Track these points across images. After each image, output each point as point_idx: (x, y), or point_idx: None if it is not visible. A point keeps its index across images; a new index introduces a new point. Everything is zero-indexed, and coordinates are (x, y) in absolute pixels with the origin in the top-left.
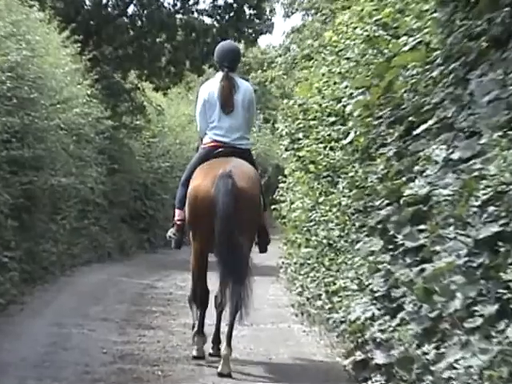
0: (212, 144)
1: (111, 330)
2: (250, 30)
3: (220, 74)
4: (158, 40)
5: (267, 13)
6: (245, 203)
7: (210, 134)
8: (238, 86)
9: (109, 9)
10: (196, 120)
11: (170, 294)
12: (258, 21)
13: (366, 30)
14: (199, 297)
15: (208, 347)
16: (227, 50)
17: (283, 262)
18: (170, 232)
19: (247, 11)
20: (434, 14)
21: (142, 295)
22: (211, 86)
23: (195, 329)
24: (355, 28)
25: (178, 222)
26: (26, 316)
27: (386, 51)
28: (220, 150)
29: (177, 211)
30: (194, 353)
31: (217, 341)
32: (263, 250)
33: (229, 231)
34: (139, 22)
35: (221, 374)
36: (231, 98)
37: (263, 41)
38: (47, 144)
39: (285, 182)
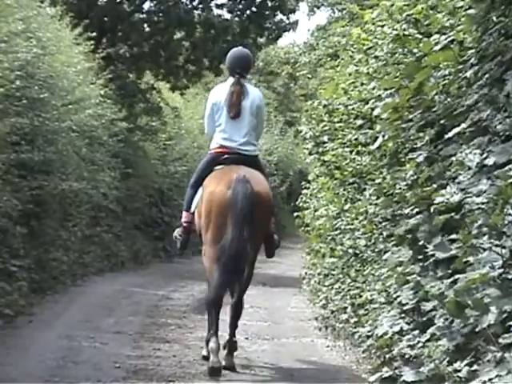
0: (219, 150)
1: (124, 343)
2: (273, 27)
3: (231, 79)
4: (175, 37)
5: (291, 7)
6: (261, 208)
7: (217, 139)
8: (248, 92)
9: (124, 5)
10: (204, 123)
11: (187, 306)
12: (280, 17)
13: (396, 29)
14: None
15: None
16: (239, 57)
17: (306, 273)
18: (176, 233)
19: (269, 6)
20: (469, 11)
21: (156, 307)
22: (221, 90)
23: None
24: (383, 26)
25: (185, 224)
26: (34, 328)
27: (415, 51)
28: (226, 156)
29: (184, 213)
30: (210, 364)
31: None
32: (270, 254)
33: (242, 234)
34: (155, 19)
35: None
36: (239, 104)
37: (287, 39)
38: (58, 147)
39: (308, 187)
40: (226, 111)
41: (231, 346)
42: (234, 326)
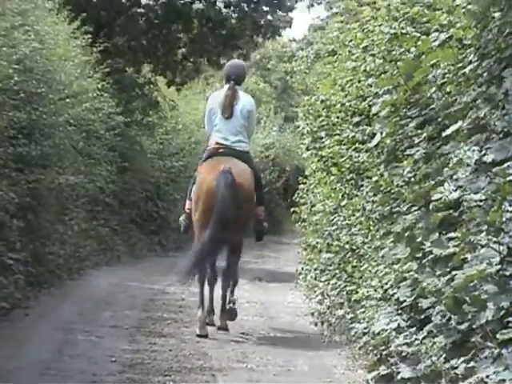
0: (215, 146)
1: (120, 337)
2: (268, 25)
3: (226, 86)
4: (173, 29)
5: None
6: (242, 196)
7: (214, 137)
8: (240, 98)
9: None
10: (204, 124)
11: (183, 300)
12: (278, 12)
13: (394, 28)
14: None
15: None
16: (234, 66)
17: (303, 268)
18: (181, 218)
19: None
20: (468, 7)
21: (152, 301)
22: (217, 96)
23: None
24: (380, 25)
25: (187, 211)
26: (30, 321)
27: (413, 49)
28: (221, 150)
29: (187, 201)
30: (197, 331)
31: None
32: (259, 239)
33: (224, 218)
34: (153, 13)
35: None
36: (231, 107)
37: (285, 34)
38: (55, 140)
39: (305, 183)
40: (219, 113)
41: (223, 307)
42: (224, 294)
